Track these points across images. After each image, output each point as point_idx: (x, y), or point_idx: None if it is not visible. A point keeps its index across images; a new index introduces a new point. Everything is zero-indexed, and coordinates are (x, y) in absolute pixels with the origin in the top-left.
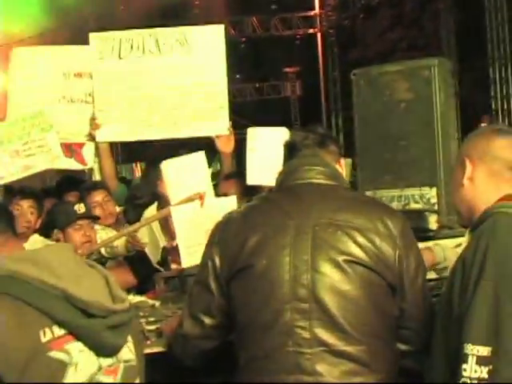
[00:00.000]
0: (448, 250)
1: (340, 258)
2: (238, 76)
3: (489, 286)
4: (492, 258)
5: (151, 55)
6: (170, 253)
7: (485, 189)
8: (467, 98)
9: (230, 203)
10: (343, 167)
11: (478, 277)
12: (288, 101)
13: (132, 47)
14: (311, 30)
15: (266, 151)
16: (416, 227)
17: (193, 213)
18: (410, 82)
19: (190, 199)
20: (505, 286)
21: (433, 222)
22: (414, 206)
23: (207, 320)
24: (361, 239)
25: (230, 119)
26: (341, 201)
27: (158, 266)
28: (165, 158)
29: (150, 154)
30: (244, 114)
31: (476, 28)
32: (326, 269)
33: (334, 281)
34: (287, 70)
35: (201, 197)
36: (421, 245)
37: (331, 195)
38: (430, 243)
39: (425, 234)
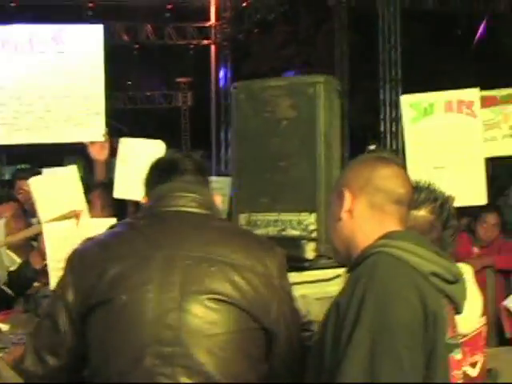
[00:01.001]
0: (313, 303)
1: (212, 298)
2: (129, 83)
3: (364, 338)
4: (369, 307)
5: (23, 53)
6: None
7: (365, 224)
8: (358, 119)
9: (108, 225)
10: (219, 202)
11: (353, 327)
12: (179, 111)
13: (3, 44)
14: (205, 42)
15: (138, 164)
16: (291, 256)
17: (67, 232)
18: (293, 98)
19: (65, 217)
20: (382, 339)
21: (310, 251)
22: (291, 232)
23: (52, 360)
24: (237, 278)
25: (107, 125)
26: (216, 233)
27: (5, 287)
28: (50, 161)
29: (35, 156)
30: (133, 122)
31: (369, 49)
32: (196, 309)
33: (203, 323)
34: (180, 80)
35: (76, 215)
36: (297, 278)
37: (205, 226)
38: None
39: (300, 264)
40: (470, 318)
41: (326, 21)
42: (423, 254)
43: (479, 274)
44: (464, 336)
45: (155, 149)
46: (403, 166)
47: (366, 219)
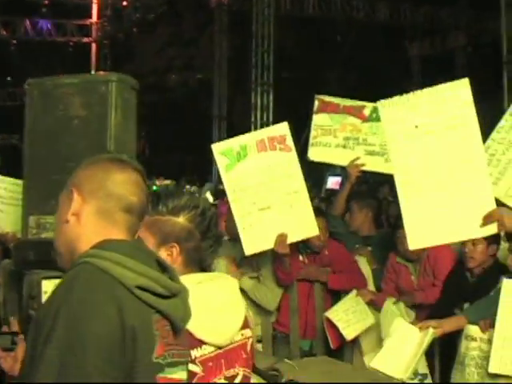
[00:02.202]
0: None
1: None
2: (8, 78)
3: (53, 357)
4: (62, 322)
5: None
6: None
7: (90, 230)
8: (238, 122)
9: None
10: None
11: (45, 341)
12: None
13: None
14: (86, 39)
15: None
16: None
17: None
18: (85, 97)
19: None
20: (71, 359)
21: None
22: None
23: None
24: None
25: None
26: None
27: None
28: None
29: None
30: (13, 119)
31: (247, 53)
32: None
33: None
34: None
35: None
36: None
37: None
38: None
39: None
40: (226, 330)
41: (209, 23)
42: (132, 266)
43: (304, 282)
44: (219, 348)
45: None
46: (141, 171)
47: (92, 226)
